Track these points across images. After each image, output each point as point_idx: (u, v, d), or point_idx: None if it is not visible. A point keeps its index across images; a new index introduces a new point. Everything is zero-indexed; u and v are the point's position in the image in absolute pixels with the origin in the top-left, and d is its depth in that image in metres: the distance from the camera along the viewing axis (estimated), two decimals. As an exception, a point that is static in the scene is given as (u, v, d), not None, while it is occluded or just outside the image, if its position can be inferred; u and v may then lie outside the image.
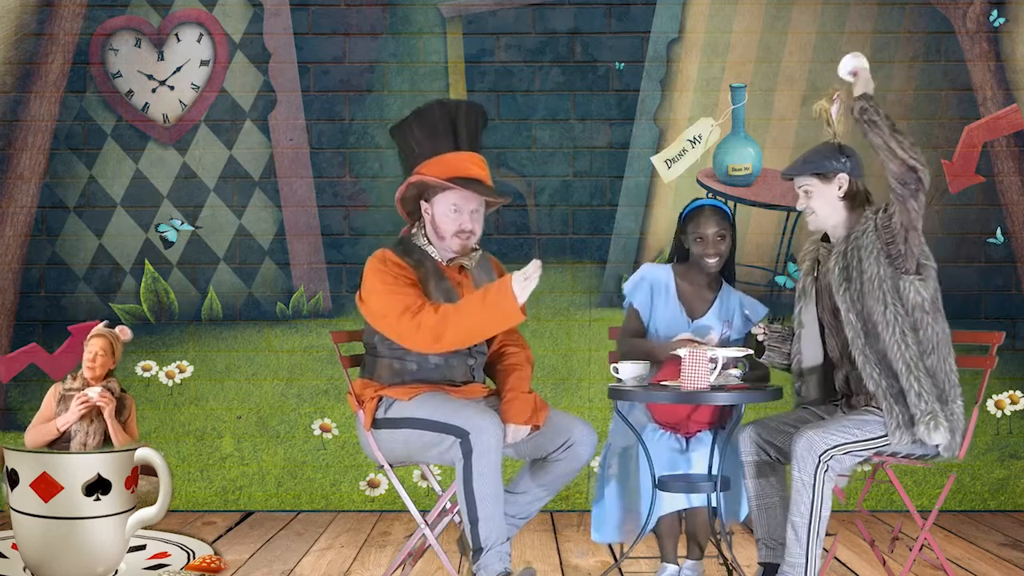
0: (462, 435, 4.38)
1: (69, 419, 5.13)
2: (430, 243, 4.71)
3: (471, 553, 4.42)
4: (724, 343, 4.87)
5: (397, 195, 4.72)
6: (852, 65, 4.50)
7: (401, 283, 4.54)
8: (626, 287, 5.01)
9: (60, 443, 5.18)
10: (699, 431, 4.78)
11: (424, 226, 4.73)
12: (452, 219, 4.63)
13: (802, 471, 4.32)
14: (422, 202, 4.71)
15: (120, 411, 5.20)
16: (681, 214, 4.93)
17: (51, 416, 5.18)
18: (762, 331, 4.68)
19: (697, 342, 4.72)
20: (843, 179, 4.52)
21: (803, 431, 4.36)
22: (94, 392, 5.11)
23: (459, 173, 4.61)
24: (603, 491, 4.87)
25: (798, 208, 4.60)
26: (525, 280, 4.33)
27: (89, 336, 5.23)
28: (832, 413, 4.62)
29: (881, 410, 4.43)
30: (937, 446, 4.43)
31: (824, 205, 4.55)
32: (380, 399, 4.62)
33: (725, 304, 4.94)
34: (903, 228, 4.37)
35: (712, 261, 4.85)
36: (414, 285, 4.55)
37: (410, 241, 4.73)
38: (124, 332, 5.31)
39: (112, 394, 5.16)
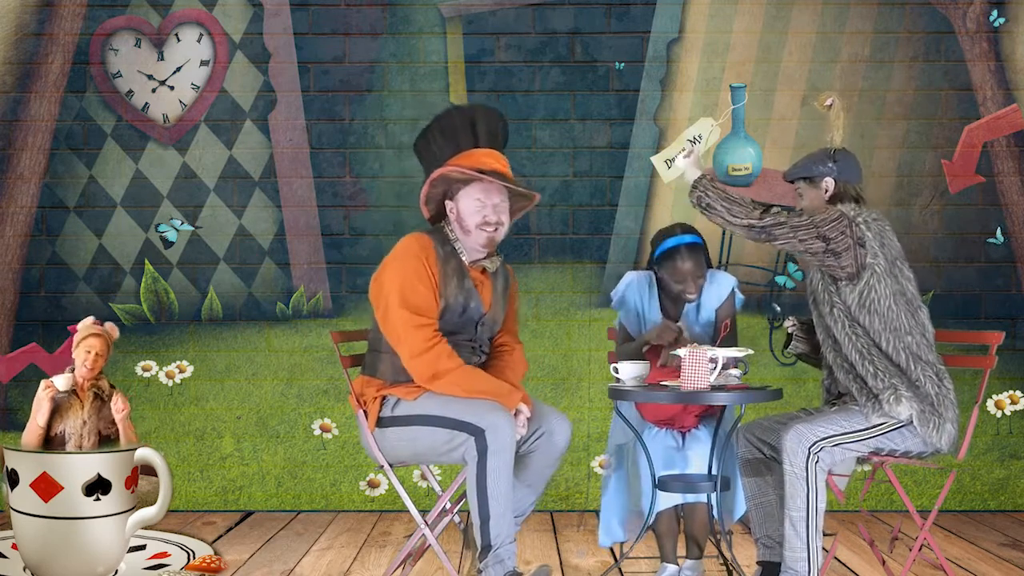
0: (477, 432, 4.39)
1: (44, 411, 5.03)
2: (457, 239, 4.73)
3: (479, 551, 4.43)
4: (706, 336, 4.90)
5: (421, 197, 4.73)
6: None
7: (421, 291, 4.55)
8: (613, 295, 5.03)
9: (56, 446, 5.15)
10: (694, 426, 4.79)
11: (451, 224, 4.75)
12: (477, 210, 4.65)
13: (793, 464, 4.39)
14: (447, 201, 4.72)
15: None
16: (654, 252, 4.92)
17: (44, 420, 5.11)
18: (792, 322, 4.78)
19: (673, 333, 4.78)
20: (828, 183, 4.65)
21: (791, 425, 4.45)
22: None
23: (480, 167, 4.64)
24: (604, 494, 4.88)
25: (796, 209, 4.71)
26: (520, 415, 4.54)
27: (84, 335, 5.14)
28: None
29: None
30: (910, 417, 4.43)
31: (811, 207, 4.67)
32: (384, 398, 4.62)
33: (694, 307, 4.96)
34: (802, 257, 4.60)
35: (692, 295, 4.88)
36: (432, 290, 4.57)
37: (443, 231, 4.74)
38: (114, 329, 5.26)
39: (102, 393, 5.11)
